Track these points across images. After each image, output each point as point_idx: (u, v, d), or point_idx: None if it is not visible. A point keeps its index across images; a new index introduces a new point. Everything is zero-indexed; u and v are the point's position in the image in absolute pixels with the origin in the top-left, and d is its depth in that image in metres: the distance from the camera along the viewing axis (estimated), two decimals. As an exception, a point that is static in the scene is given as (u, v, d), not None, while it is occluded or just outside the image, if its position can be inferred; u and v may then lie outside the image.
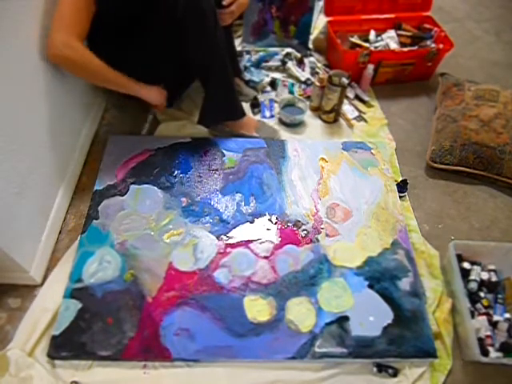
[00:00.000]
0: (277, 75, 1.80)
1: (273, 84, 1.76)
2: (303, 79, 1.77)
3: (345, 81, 1.53)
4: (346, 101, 1.68)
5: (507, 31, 2.23)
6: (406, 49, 1.79)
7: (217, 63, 1.34)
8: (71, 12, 1.09)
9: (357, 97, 1.75)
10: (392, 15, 1.89)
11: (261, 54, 1.85)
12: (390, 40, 1.83)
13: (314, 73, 1.82)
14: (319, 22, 2.03)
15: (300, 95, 1.72)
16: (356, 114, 1.66)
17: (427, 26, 1.88)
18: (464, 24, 2.27)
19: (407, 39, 1.85)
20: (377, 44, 1.84)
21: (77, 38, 1.10)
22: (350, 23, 1.87)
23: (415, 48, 1.80)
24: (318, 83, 1.59)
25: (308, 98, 1.70)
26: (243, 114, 1.51)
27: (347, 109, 1.67)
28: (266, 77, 1.77)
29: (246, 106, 1.67)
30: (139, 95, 1.34)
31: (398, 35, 1.85)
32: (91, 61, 1.14)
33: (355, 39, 1.83)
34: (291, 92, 1.74)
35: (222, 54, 1.33)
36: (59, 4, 1.09)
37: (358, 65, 1.71)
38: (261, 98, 1.71)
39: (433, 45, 1.81)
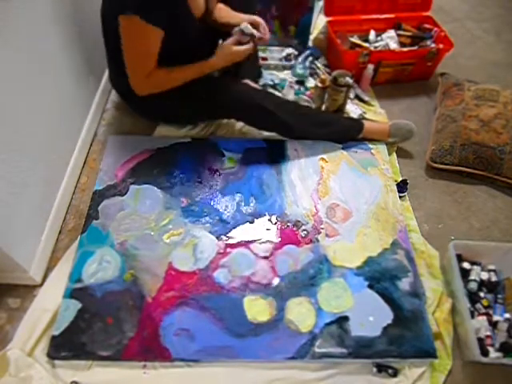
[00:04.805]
0: (281, 75, 1.80)
1: (274, 87, 1.75)
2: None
3: (349, 80, 1.54)
4: (348, 100, 1.67)
5: (507, 31, 2.23)
6: (405, 49, 1.79)
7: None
8: (144, 56, 1.19)
9: (357, 97, 1.74)
10: (392, 15, 1.89)
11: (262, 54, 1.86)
12: (389, 40, 1.83)
13: (313, 73, 1.82)
14: (319, 21, 2.03)
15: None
16: (359, 111, 1.66)
17: (427, 25, 1.87)
18: (464, 24, 2.26)
19: (407, 39, 1.84)
20: (377, 44, 1.84)
21: (153, 71, 1.21)
22: (350, 23, 1.87)
23: (415, 48, 1.80)
24: (319, 84, 1.59)
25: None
26: None
27: (350, 108, 1.67)
28: (275, 78, 1.77)
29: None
30: (221, 66, 1.34)
31: (398, 35, 1.85)
32: (171, 78, 1.27)
33: (355, 39, 1.83)
34: (297, 94, 1.73)
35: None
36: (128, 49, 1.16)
37: (358, 65, 1.71)
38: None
39: (433, 45, 1.81)
